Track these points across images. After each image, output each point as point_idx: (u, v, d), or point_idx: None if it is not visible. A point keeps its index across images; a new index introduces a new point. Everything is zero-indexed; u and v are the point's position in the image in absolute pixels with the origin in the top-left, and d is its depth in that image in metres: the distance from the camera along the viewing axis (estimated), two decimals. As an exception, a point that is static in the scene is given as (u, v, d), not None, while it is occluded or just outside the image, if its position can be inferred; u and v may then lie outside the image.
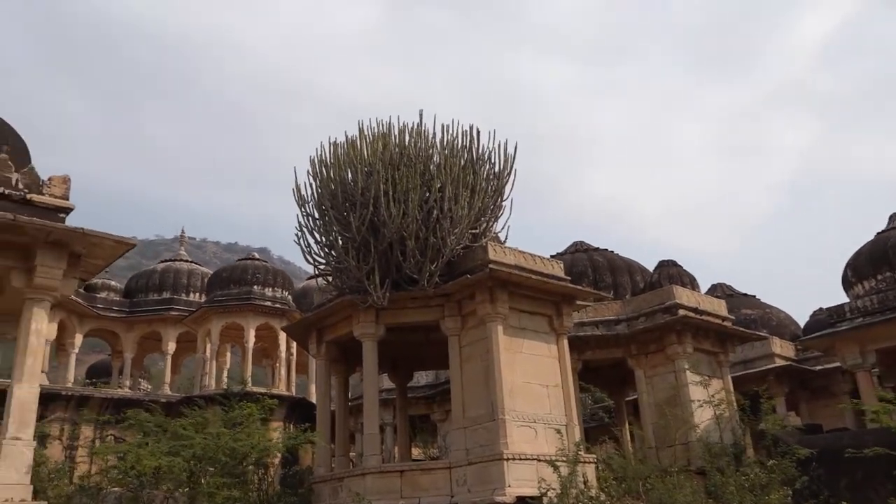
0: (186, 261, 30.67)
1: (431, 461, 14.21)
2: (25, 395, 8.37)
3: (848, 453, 11.58)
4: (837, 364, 21.94)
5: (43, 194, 8.92)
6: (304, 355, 26.69)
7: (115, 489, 15.16)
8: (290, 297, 25.29)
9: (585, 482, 11.97)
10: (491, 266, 12.55)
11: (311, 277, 30.85)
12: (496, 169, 14.17)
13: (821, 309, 25.43)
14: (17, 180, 8.84)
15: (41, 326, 8.69)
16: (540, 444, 12.57)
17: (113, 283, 29.32)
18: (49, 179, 9.08)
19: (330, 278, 14.02)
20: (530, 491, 11.71)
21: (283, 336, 24.38)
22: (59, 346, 26.74)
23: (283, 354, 24.65)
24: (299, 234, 13.74)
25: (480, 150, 14.06)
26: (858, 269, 17.07)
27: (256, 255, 25.83)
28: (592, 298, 15.04)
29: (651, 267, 19.15)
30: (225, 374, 26.94)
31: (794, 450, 12.94)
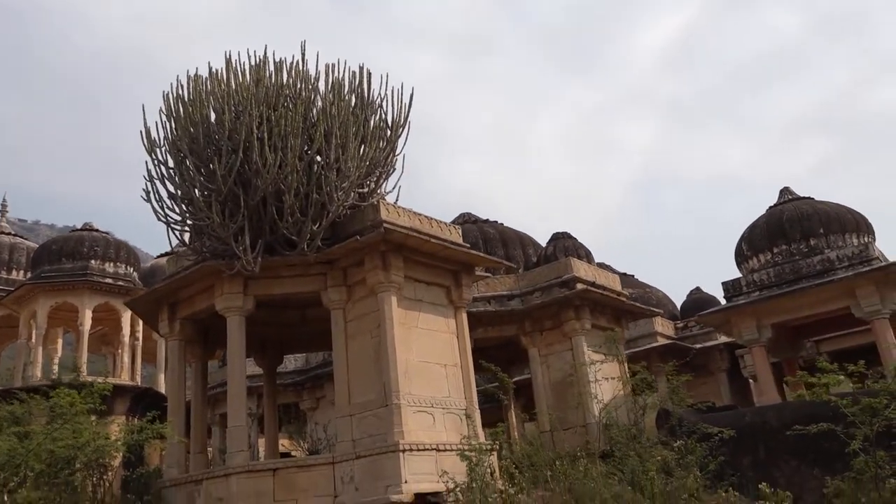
0: (9, 234, 26.34)
1: (310, 457, 12.22)
2: None
3: (794, 431, 10.84)
4: (716, 342, 22.09)
5: None
6: (151, 342, 23.53)
7: None
8: (135, 274, 22.09)
9: (492, 473, 10.50)
10: (386, 226, 10.73)
11: (160, 256, 27.50)
12: (388, 118, 12.32)
13: (698, 288, 25.72)
14: None
15: None
16: (439, 432, 10.96)
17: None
18: None
19: (187, 238, 11.59)
20: (430, 486, 10.08)
21: (127, 318, 21.24)
22: None
23: (127, 339, 21.47)
24: (149, 185, 11.20)
25: (371, 96, 12.15)
26: (754, 243, 16.81)
27: (95, 225, 22.31)
28: (502, 269, 13.63)
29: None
30: (55, 363, 23.21)
31: (703, 429, 12.21)
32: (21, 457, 7.75)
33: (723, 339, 22.16)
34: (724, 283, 16.72)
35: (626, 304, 16.33)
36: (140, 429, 9.88)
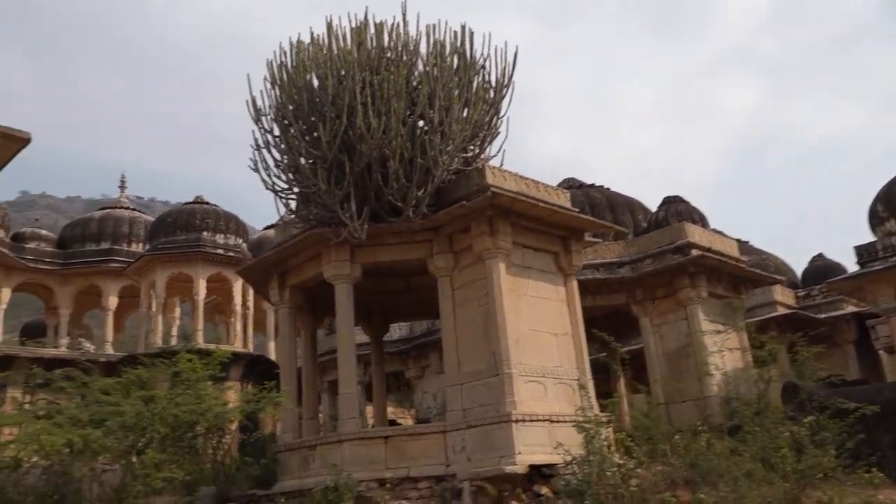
0: (128, 208, 27.77)
1: (421, 425, 12.14)
2: None
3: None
4: (843, 312, 20.57)
5: None
6: (261, 311, 24.29)
7: (42, 462, 12.83)
8: (244, 245, 22.74)
9: (609, 446, 10.05)
10: (493, 190, 10.34)
11: (266, 228, 28.26)
12: (492, 79, 11.86)
13: (820, 255, 24.05)
14: None
15: None
16: (550, 403, 10.59)
17: (44, 232, 26.34)
18: None
19: (294, 206, 11.60)
20: (545, 458, 9.75)
21: (238, 288, 21.96)
22: (-16, 303, 23.83)
23: (239, 308, 22.20)
24: (256, 154, 11.26)
25: (474, 56, 11.71)
26: (892, 203, 15.34)
27: (205, 198, 23.07)
28: (611, 235, 13.03)
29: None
30: (174, 330, 24.37)
31: (837, 404, 11.26)
32: (147, 420, 7.98)
33: (850, 308, 20.59)
34: (856, 248, 15.35)
35: (745, 271, 15.33)
36: (259, 396, 9.98)
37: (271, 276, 12.65)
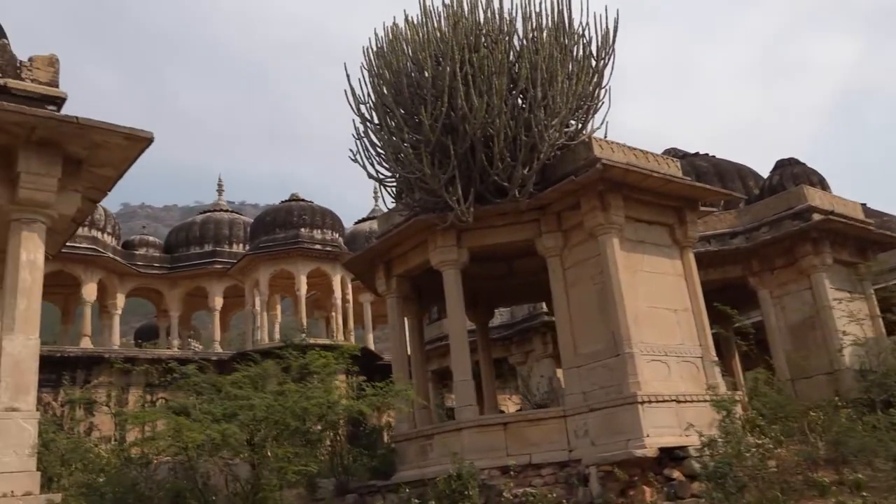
0: (227, 210, 28.59)
1: (540, 410, 11.89)
2: (20, 351, 6.12)
3: None
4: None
5: (23, 79, 6.51)
6: (358, 304, 24.53)
7: (167, 459, 13.27)
8: (341, 239, 22.98)
9: (743, 426, 9.48)
10: (603, 162, 9.89)
11: (357, 222, 28.53)
12: (592, 47, 11.37)
13: (951, 213, 22.23)
14: (-15, 65, 6.47)
15: (35, 257, 6.39)
16: (675, 382, 10.09)
17: (151, 238, 27.46)
18: (30, 60, 6.66)
19: (393, 191, 11.49)
20: (674, 439, 9.29)
21: (337, 282, 22.24)
22: (102, 308, 25.05)
23: (339, 302, 22.44)
24: (357, 143, 11.20)
25: (573, 24, 11.26)
26: None
27: (300, 195, 23.44)
28: (720, 203, 12.33)
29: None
30: (277, 327, 24.95)
31: None
32: (278, 413, 8.05)
33: None
34: None
35: (872, 234, 14.24)
36: (385, 390, 9.85)
37: (377, 266, 12.61)
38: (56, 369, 19.13)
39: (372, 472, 12.69)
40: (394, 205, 12.07)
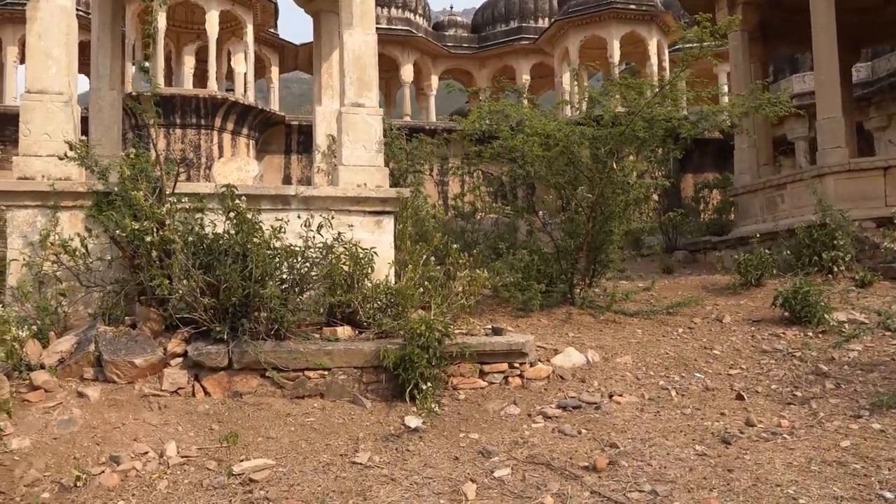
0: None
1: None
2: (360, 46, 5.90)
3: None
4: None
5: None
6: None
7: (491, 216, 14.00)
8: (657, -1, 20.55)
9: None
10: None
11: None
12: None
13: None
14: None
15: (367, -53, 5.97)
16: None
17: (459, 18, 27.42)
18: None
19: None
20: None
21: (653, 47, 20.26)
22: (418, 90, 26.21)
23: (655, 69, 20.51)
24: None
25: None
26: None
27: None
28: None
29: None
30: (584, 106, 23.94)
31: None
32: (626, 123, 7.14)
33: None
34: None
35: None
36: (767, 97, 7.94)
37: (717, -6, 10.67)
38: (383, 143, 20.62)
39: (702, 231, 11.77)
40: None
